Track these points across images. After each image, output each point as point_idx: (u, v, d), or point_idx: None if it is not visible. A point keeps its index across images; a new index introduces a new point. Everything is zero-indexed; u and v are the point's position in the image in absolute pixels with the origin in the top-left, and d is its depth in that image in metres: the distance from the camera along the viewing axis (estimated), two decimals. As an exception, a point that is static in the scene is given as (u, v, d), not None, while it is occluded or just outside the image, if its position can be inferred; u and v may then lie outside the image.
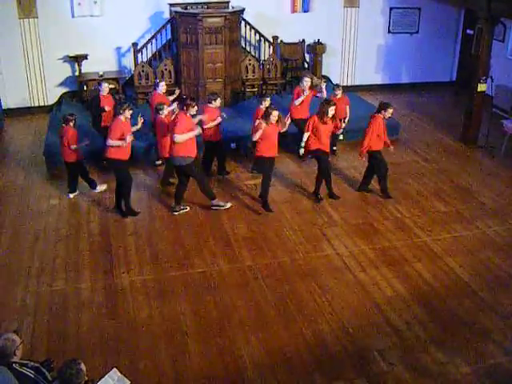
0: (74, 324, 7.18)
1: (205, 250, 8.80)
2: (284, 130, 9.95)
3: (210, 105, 10.45)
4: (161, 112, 10.24)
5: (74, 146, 9.78)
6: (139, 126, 9.92)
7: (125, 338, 6.95)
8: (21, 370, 4.77)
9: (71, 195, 10.34)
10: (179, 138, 9.13)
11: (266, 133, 9.45)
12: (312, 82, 11.76)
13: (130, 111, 9.33)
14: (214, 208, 9.85)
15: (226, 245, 8.96)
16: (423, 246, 9.00)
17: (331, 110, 9.73)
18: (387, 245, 9.01)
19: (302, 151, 10.14)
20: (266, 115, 9.47)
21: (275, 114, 9.47)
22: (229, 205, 9.92)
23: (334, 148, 12.08)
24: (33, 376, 4.80)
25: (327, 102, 9.89)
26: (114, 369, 5.06)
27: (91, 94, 12.72)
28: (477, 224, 9.64)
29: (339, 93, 11.66)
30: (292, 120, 11.17)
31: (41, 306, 7.49)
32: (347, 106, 11.83)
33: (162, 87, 11.40)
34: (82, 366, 4.57)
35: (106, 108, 10.91)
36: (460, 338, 6.99)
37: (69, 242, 9.01)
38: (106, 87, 11.15)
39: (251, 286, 7.97)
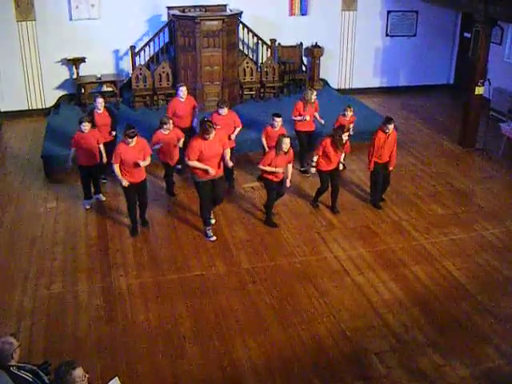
0: (71, 327, 7.17)
1: (202, 253, 8.79)
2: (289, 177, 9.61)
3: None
4: (164, 127, 9.88)
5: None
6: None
7: (122, 340, 6.95)
8: (18, 372, 4.77)
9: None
10: (191, 163, 8.79)
11: (276, 163, 9.17)
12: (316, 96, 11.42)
13: (134, 138, 8.74)
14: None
15: (223, 248, 8.96)
16: (421, 248, 9.01)
17: (345, 136, 9.47)
18: (385, 248, 9.02)
19: (313, 170, 9.93)
20: (278, 144, 9.09)
21: (287, 142, 9.08)
22: (213, 238, 9.22)
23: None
24: (30, 379, 4.79)
25: (341, 129, 9.55)
26: (116, 377, 5.06)
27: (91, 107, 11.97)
28: (474, 227, 9.65)
29: (349, 115, 11.27)
30: (295, 132, 11.26)
31: (38, 309, 7.49)
32: (352, 125, 11.38)
33: (182, 93, 10.82)
34: (77, 371, 4.56)
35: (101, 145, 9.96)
36: (458, 341, 7.00)
37: (66, 245, 9.00)
38: (100, 103, 10.40)
39: (249, 289, 7.97)
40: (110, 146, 10.02)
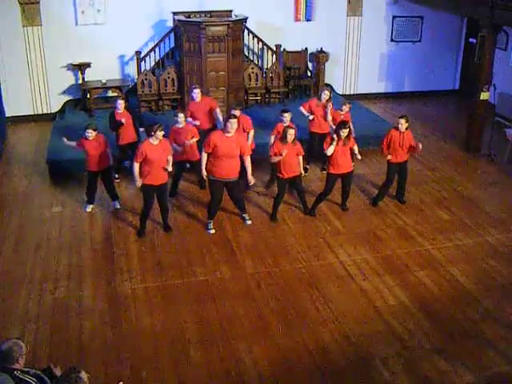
0: (76, 332, 7.17)
1: (207, 258, 8.79)
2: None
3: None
4: (176, 119, 10.13)
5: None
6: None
7: (127, 345, 6.94)
8: (22, 377, 4.77)
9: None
10: (202, 155, 9.14)
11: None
12: (330, 97, 11.37)
13: (162, 132, 8.82)
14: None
15: (228, 253, 8.96)
16: (426, 254, 8.98)
17: (343, 132, 9.47)
18: (390, 253, 9.00)
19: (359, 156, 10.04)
20: (283, 134, 9.35)
21: (292, 132, 9.33)
22: (212, 231, 9.52)
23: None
24: (34, 383, 4.79)
25: (342, 125, 9.62)
26: (120, 382, 5.05)
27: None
28: (480, 232, 9.62)
29: (345, 109, 11.34)
30: (309, 133, 11.33)
31: (43, 314, 7.49)
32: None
33: (195, 95, 11.02)
34: (82, 375, 4.56)
35: (123, 121, 10.49)
36: (463, 347, 6.97)
37: (71, 250, 9.01)
38: (121, 104, 10.65)
39: (254, 294, 7.96)
40: (134, 146, 10.08)
